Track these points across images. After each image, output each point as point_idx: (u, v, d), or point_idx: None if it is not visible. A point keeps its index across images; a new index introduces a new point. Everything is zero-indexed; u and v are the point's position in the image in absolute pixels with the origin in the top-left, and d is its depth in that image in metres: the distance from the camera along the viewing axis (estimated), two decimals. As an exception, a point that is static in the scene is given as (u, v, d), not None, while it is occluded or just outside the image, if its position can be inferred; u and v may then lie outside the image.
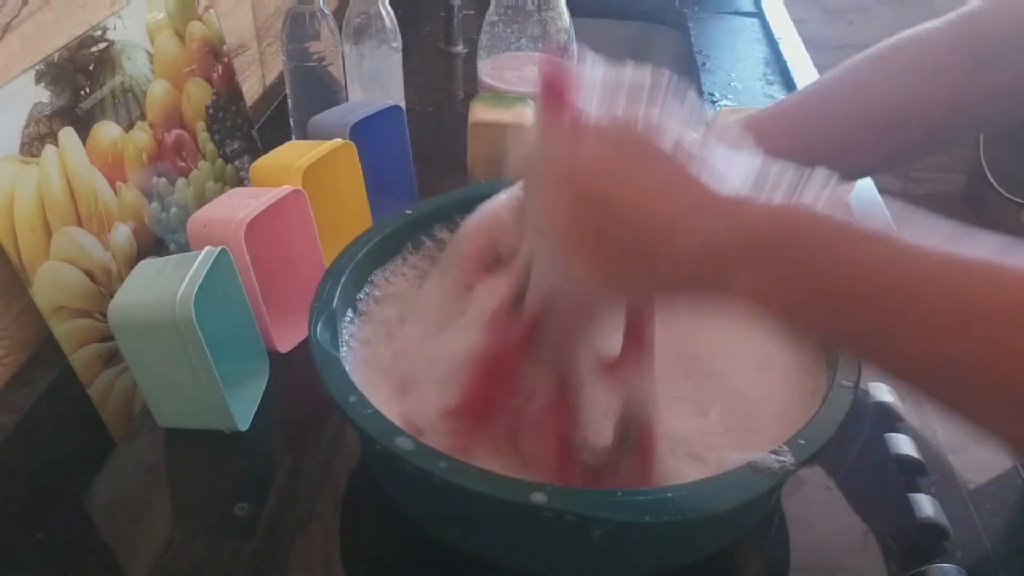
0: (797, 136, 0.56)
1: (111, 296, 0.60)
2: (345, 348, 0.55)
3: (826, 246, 0.37)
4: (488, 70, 0.98)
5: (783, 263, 0.37)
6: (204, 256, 0.59)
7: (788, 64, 1.22)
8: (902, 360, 0.36)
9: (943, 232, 0.37)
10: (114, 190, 0.66)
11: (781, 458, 0.44)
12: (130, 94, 0.69)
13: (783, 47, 1.28)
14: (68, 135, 0.61)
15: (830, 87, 0.57)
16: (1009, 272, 0.34)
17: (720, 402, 0.55)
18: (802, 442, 0.45)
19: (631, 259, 0.41)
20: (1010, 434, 0.35)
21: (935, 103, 0.55)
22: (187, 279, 0.56)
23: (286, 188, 0.67)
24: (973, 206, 2.55)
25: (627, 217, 0.40)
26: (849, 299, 0.37)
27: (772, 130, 0.55)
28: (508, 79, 0.96)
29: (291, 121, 0.93)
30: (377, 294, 0.61)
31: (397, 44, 0.92)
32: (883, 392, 0.64)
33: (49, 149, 0.59)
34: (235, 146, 0.83)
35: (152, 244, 0.70)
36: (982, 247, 0.36)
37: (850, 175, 0.61)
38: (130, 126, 0.68)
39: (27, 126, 0.58)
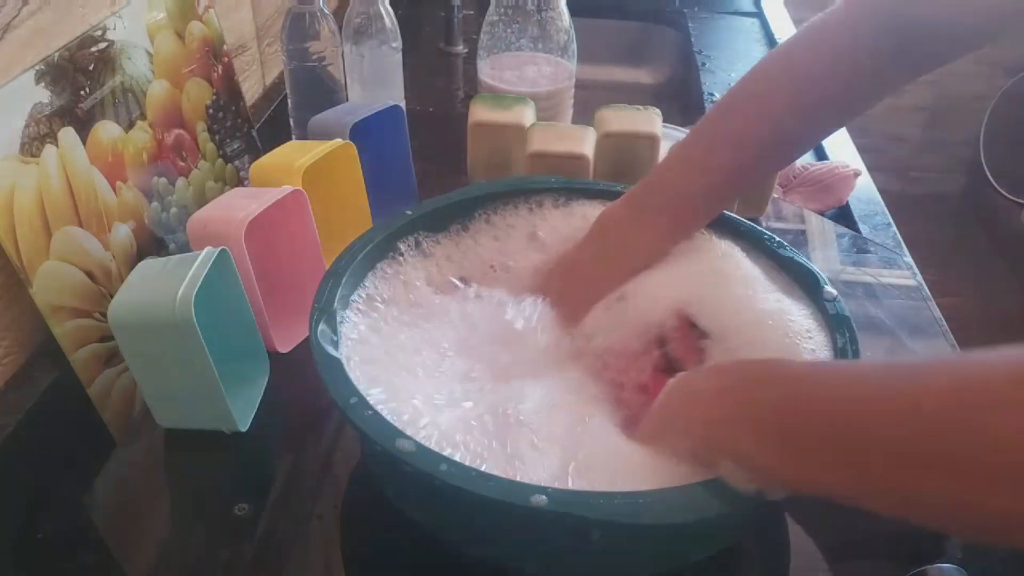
0: (739, 135, 0.60)
1: (111, 296, 0.60)
2: (345, 349, 0.55)
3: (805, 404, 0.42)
4: (488, 70, 0.98)
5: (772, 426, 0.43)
6: (204, 256, 0.59)
7: (788, 64, 1.22)
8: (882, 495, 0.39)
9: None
10: (114, 190, 0.66)
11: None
12: (130, 94, 0.69)
13: (783, 47, 1.28)
14: (68, 135, 0.61)
15: (759, 84, 0.61)
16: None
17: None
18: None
19: None
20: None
21: (844, 83, 0.58)
22: (187, 279, 0.56)
23: (286, 188, 0.67)
24: (973, 206, 2.55)
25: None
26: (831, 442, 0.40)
27: (738, 124, 0.60)
28: (508, 79, 0.96)
29: (291, 121, 0.93)
30: (377, 294, 0.61)
31: (397, 44, 0.92)
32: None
33: (49, 149, 0.59)
34: (235, 146, 0.83)
35: (152, 244, 0.70)
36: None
37: (786, 159, 0.69)
38: (130, 126, 0.68)
39: (27, 126, 0.58)
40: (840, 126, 0.69)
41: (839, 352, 0.52)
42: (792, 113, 0.59)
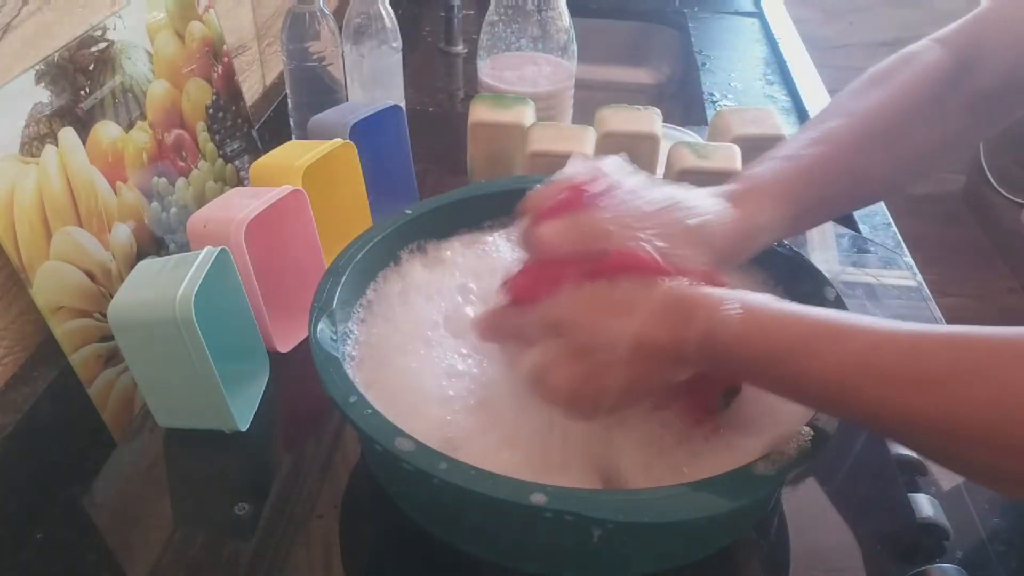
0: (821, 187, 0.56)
1: (111, 296, 0.60)
2: (345, 348, 0.55)
3: (800, 347, 0.42)
4: (488, 70, 0.98)
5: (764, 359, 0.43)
6: (204, 256, 0.59)
7: (788, 64, 1.22)
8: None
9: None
10: (114, 190, 0.66)
11: (781, 459, 0.44)
12: (130, 94, 0.69)
13: (783, 47, 1.28)
14: (68, 135, 0.61)
15: (838, 134, 0.57)
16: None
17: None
18: (804, 439, 0.45)
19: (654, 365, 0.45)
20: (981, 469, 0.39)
21: (934, 137, 0.57)
22: (187, 279, 0.56)
23: (286, 188, 0.67)
24: (973, 206, 2.55)
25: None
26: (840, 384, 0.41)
27: (800, 185, 0.56)
28: (508, 79, 0.96)
29: (291, 121, 0.93)
30: (377, 293, 0.61)
31: (397, 44, 0.92)
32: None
33: (49, 149, 0.59)
34: (235, 146, 0.83)
35: (152, 244, 0.70)
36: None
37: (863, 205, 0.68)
38: (130, 126, 0.68)
39: (27, 126, 0.58)
40: (926, 173, 0.64)
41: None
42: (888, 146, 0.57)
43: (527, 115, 0.84)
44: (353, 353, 0.56)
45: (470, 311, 0.59)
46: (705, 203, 0.51)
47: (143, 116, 0.70)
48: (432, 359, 0.56)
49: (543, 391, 0.47)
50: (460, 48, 1.28)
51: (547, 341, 0.47)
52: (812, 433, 0.46)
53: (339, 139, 0.74)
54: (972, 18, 0.58)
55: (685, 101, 1.28)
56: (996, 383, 0.36)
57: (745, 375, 0.46)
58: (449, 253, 0.64)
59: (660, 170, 0.83)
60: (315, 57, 0.87)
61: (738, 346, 0.43)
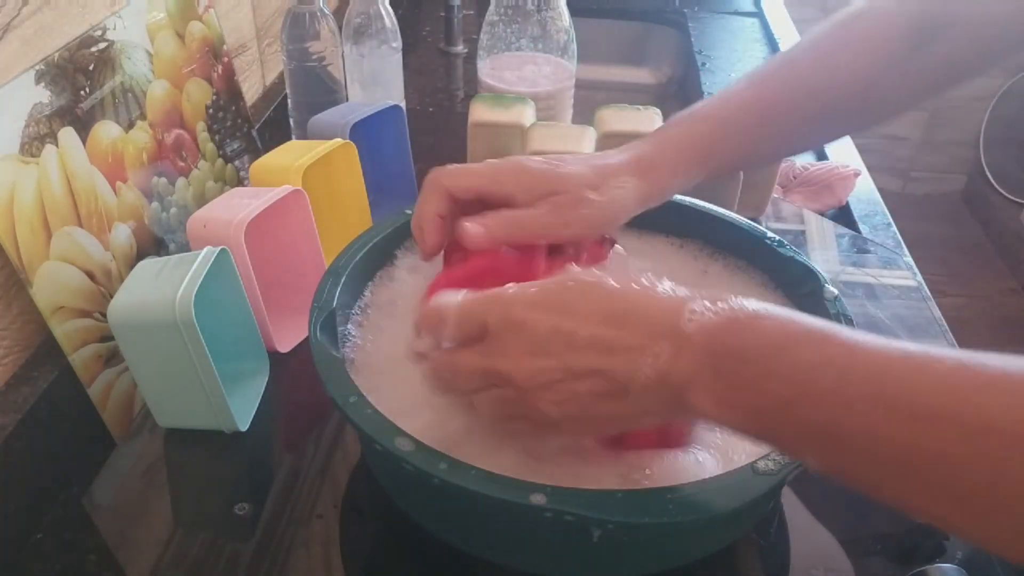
0: (763, 130, 0.57)
1: (111, 296, 0.60)
2: (345, 348, 0.55)
3: (764, 354, 0.37)
4: (488, 70, 0.98)
5: (728, 376, 0.38)
6: (204, 256, 0.59)
7: (788, 64, 1.22)
8: (853, 461, 0.35)
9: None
10: (114, 190, 0.66)
11: (781, 459, 0.44)
12: (130, 94, 0.69)
13: (783, 47, 1.28)
14: (68, 135, 0.61)
15: (784, 75, 0.59)
16: (952, 369, 0.33)
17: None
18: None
19: (600, 397, 0.41)
20: (971, 533, 0.33)
21: (877, 76, 0.57)
22: (187, 279, 0.56)
23: (286, 188, 0.67)
24: (973, 206, 2.55)
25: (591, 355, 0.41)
26: (795, 403, 0.36)
27: (741, 130, 0.57)
28: (508, 79, 0.96)
29: (291, 121, 0.93)
30: (377, 294, 0.61)
31: (397, 44, 0.92)
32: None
33: (49, 149, 0.59)
34: (235, 146, 0.83)
35: (152, 244, 0.70)
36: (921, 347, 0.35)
37: (800, 148, 0.66)
38: (130, 126, 0.68)
39: (27, 126, 0.58)
40: (854, 127, 0.65)
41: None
42: (812, 97, 0.57)
43: (527, 115, 0.84)
44: (353, 353, 0.56)
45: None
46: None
47: (143, 116, 0.70)
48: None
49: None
50: (460, 48, 1.28)
51: (486, 392, 0.44)
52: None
53: (339, 139, 0.75)
54: None
55: (685, 101, 1.28)
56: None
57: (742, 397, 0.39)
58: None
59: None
60: (315, 57, 0.87)
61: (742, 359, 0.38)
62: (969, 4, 0.55)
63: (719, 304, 0.39)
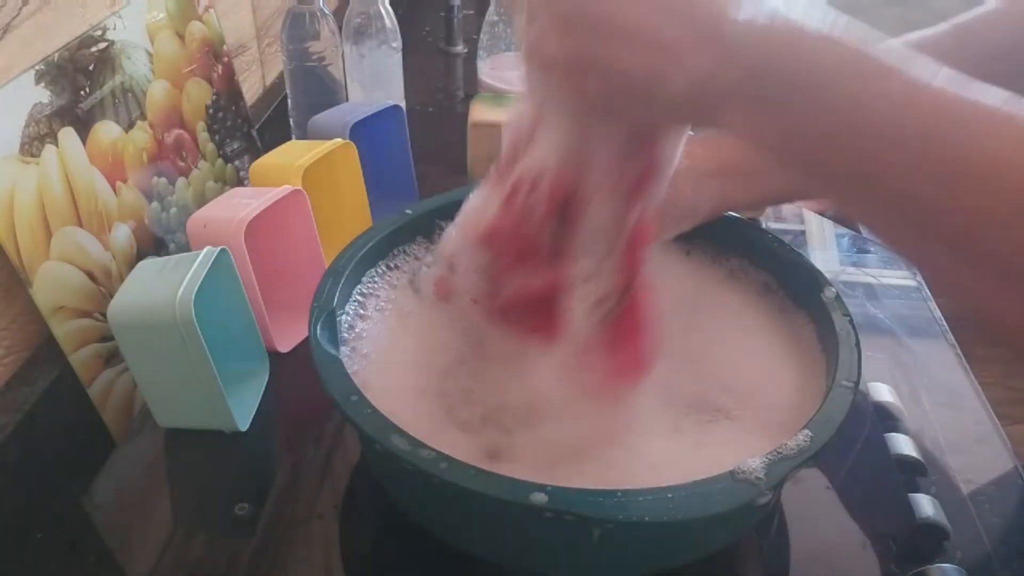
0: None
1: (111, 296, 0.60)
2: (345, 348, 0.55)
3: (817, 80, 0.34)
4: (488, 70, 0.98)
5: (771, 99, 0.35)
6: (204, 256, 0.59)
7: (788, 64, 1.22)
8: (883, 211, 0.34)
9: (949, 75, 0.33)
10: (114, 190, 0.66)
11: (781, 459, 0.44)
12: (130, 94, 0.69)
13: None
14: (68, 135, 0.61)
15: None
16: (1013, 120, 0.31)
17: (720, 403, 0.55)
18: (803, 438, 0.45)
19: (627, 94, 0.39)
20: (1003, 315, 0.31)
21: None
22: (187, 279, 0.56)
23: (286, 188, 0.67)
24: (973, 206, 2.54)
25: (621, 46, 0.37)
26: (842, 135, 0.34)
27: None
28: (508, 79, 0.96)
29: (291, 121, 0.93)
30: (377, 293, 0.61)
31: (397, 44, 0.92)
32: (883, 393, 0.64)
33: (49, 149, 0.59)
34: (235, 146, 0.83)
35: (152, 244, 0.70)
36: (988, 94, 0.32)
37: None
38: (130, 126, 0.68)
39: (27, 126, 0.58)
40: None
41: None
42: None
43: (527, 115, 0.83)
44: (353, 352, 0.56)
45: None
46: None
47: (143, 116, 0.70)
48: (433, 357, 0.56)
49: (537, 58, 0.42)
50: (460, 48, 1.28)
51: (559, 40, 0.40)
52: (811, 434, 0.46)
53: (339, 139, 0.75)
54: None
55: (685, 101, 1.27)
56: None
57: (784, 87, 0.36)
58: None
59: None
60: (315, 57, 0.87)
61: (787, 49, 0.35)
62: None
63: (773, 18, 0.36)
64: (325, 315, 0.54)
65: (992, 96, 0.32)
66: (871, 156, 0.33)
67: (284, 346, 0.68)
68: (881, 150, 0.33)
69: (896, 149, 0.32)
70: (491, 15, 0.98)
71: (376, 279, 0.61)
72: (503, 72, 0.97)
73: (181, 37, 0.76)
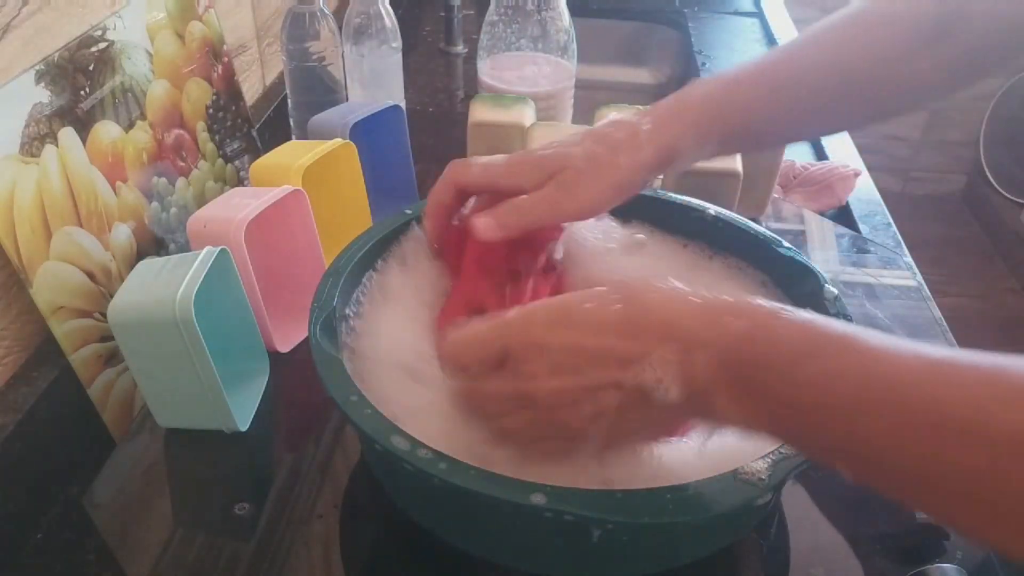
0: (773, 100, 0.56)
1: (111, 296, 0.60)
2: (345, 348, 0.55)
3: (783, 363, 0.37)
4: (488, 70, 0.98)
5: (743, 388, 0.38)
6: (204, 256, 0.59)
7: (788, 64, 1.22)
8: (878, 471, 0.35)
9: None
10: (114, 190, 0.66)
11: (781, 459, 0.44)
12: (130, 94, 0.69)
13: (783, 47, 1.28)
14: (68, 135, 0.61)
15: (796, 54, 0.58)
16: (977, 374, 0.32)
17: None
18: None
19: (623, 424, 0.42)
20: (1005, 545, 0.32)
21: (888, 74, 0.56)
22: (187, 279, 0.56)
23: (286, 188, 0.67)
24: (973, 206, 2.55)
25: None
26: (817, 412, 0.36)
27: (751, 95, 0.56)
28: (508, 79, 0.96)
29: (291, 121, 0.93)
30: (377, 293, 0.61)
31: (397, 44, 0.92)
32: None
33: (49, 149, 0.59)
34: (235, 146, 0.83)
35: (152, 244, 0.70)
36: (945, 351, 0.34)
37: (804, 132, 0.64)
38: (130, 126, 0.68)
39: (27, 126, 0.58)
40: (858, 119, 0.64)
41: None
42: (821, 81, 0.55)
43: (527, 115, 0.84)
44: (353, 352, 0.56)
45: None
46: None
47: (143, 116, 0.70)
48: (432, 357, 0.56)
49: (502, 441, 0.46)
50: (460, 48, 1.28)
51: (515, 415, 0.44)
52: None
53: (339, 139, 0.75)
54: None
55: (685, 101, 1.28)
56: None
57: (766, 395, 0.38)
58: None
59: (660, 170, 0.83)
60: (315, 57, 0.87)
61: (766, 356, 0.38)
62: (983, 2, 0.54)
63: (735, 307, 0.39)
64: (325, 315, 0.54)
65: (961, 355, 0.33)
66: (850, 427, 0.34)
67: (284, 346, 0.68)
68: (857, 417, 0.34)
69: (869, 419, 0.33)
70: (491, 15, 0.98)
71: (376, 279, 0.61)
72: (503, 72, 0.97)
73: (181, 37, 0.76)
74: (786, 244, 0.61)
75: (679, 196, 0.66)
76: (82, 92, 0.63)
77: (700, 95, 0.55)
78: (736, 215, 0.65)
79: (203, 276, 0.57)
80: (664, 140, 0.53)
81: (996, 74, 0.58)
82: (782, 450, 0.45)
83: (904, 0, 0.56)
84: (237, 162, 0.84)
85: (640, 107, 0.84)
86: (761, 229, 0.64)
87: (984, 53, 0.56)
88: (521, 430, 0.45)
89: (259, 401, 0.64)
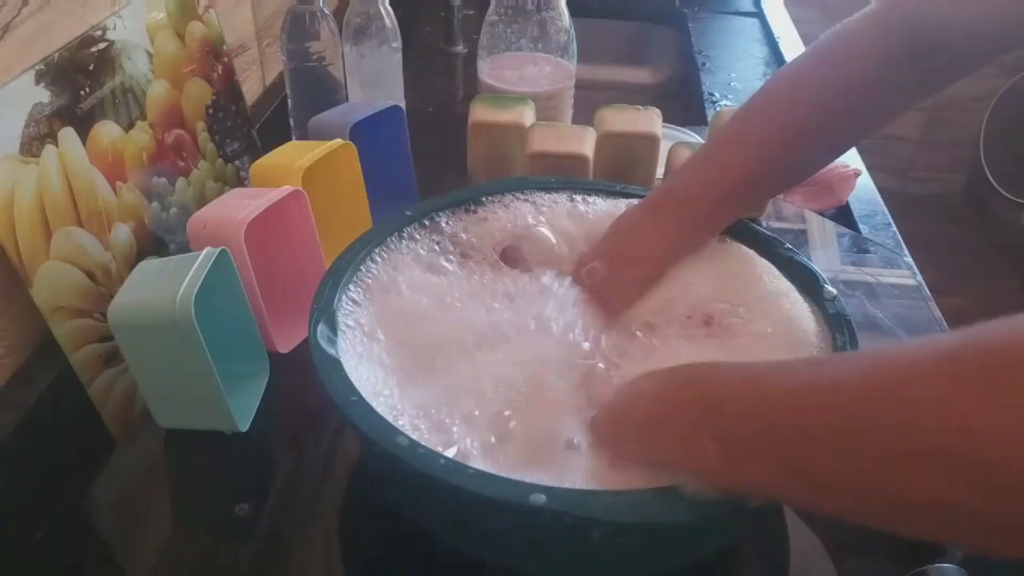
0: (779, 129, 0.60)
1: (111, 296, 0.60)
2: (345, 348, 0.55)
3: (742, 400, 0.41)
4: (488, 70, 0.98)
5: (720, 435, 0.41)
6: (204, 256, 0.59)
7: (788, 64, 1.22)
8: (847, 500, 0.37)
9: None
10: (114, 190, 0.66)
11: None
12: (130, 94, 0.69)
13: (783, 47, 1.28)
14: (68, 135, 0.61)
15: (793, 82, 0.61)
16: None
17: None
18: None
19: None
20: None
21: (867, 94, 0.59)
22: (187, 279, 0.56)
23: (286, 188, 0.67)
24: (973, 206, 2.55)
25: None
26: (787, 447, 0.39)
27: (760, 127, 0.61)
28: (508, 79, 0.96)
29: (291, 121, 0.93)
30: (377, 293, 0.61)
31: (397, 44, 0.92)
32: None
33: (49, 149, 0.59)
34: (235, 146, 0.83)
35: (152, 244, 0.70)
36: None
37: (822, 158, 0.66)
38: (130, 126, 0.68)
39: (27, 126, 0.58)
40: (855, 140, 0.69)
41: (838, 352, 0.52)
42: (813, 117, 0.59)
43: (527, 115, 0.84)
44: (353, 353, 0.56)
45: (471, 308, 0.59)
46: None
47: (143, 116, 0.70)
48: (433, 357, 0.56)
49: None
50: (460, 48, 1.28)
51: None
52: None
53: (339, 139, 0.74)
54: None
55: (685, 101, 1.28)
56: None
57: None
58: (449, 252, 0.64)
59: (660, 170, 0.83)
60: (315, 57, 0.87)
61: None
62: (958, 8, 0.55)
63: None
64: (325, 315, 0.54)
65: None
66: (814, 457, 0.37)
67: (284, 346, 0.68)
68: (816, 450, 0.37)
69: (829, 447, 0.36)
70: (491, 15, 0.98)
71: (377, 279, 0.61)
72: (503, 72, 0.97)
73: (181, 37, 0.76)
74: (786, 244, 0.61)
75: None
76: (82, 92, 0.63)
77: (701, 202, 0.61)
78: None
79: (203, 276, 0.57)
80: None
81: (977, 72, 0.60)
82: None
83: (874, 19, 0.58)
84: (237, 162, 0.84)
85: (640, 107, 0.84)
86: (761, 229, 0.64)
87: (963, 56, 0.57)
88: None
89: (259, 401, 0.64)
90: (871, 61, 0.57)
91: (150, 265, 0.61)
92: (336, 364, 0.50)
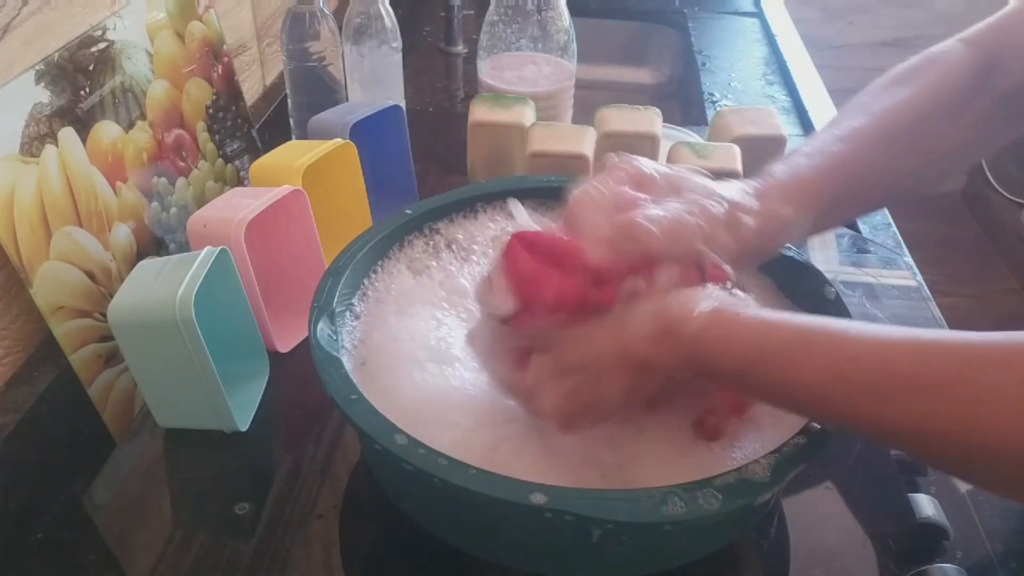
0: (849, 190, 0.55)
1: (111, 296, 0.60)
2: (345, 347, 0.55)
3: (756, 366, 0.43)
4: (488, 70, 0.98)
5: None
6: (204, 256, 0.59)
7: (788, 64, 1.22)
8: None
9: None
10: (114, 190, 0.66)
11: (781, 460, 0.44)
12: (130, 94, 0.69)
13: (783, 47, 1.28)
14: (68, 135, 0.61)
15: (863, 138, 0.56)
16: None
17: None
18: (803, 440, 0.45)
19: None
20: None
21: (959, 138, 0.56)
22: (187, 279, 0.56)
23: (286, 188, 0.67)
24: (973, 206, 2.55)
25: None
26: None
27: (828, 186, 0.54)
28: (508, 79, 0.96)
29: (291, 121, 0.93)
30: (377, 293, 0.61)
31: (397, 44, 0.92)
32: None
33: (49, 149, 0.59)
34: (235, 146, 0.83)
35: (152, 244, 0.70)
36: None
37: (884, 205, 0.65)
38: (130, 126, 0.68)
39: (27, 126, 0.58)
40: (921, 179, 0.61)
41: None
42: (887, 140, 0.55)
43: (527, 115, 0.84)
44: (353, 352, 0.56)
45: (471, 308, 0.59)
46: (733, 191, 0.52)
47: (143, 116, 0.70)
48: (433, 357, 0.56)
49: (534, 410, 0.49)
50: (460, 48, 1.28)
51: (534, 357, 0.48)
52: (813, 434, 0.46)
53: (339, 139, 0.75)
54: (999, 17, 0.56)
55: (685, 101, 1.28)
56: (965, 394, 0.36)
57: (730, 383, 0.47)
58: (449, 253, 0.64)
59: (660, 170, 0.83)
60: (315, 57, 0.87)
61: (720, 356, 0.43)
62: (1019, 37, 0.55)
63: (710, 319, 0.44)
64: (325, 315, 0.54)
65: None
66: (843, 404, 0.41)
67: (284, 346, 0.68)
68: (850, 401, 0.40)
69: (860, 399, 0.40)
70: (491, 15, 0.98)
71: (377, 279, 0.61)
72: (503, 72, 0.97)
73: (181, 37, 0.76)
74: (786, 244, 0.61)
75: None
76: (82, 92, 0.63)
77: (800, 181, 0.54)
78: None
79: (203, 276, 0.57)
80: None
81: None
82: (783, 450, 0.45)
83: (943, 52, 0.57)
84: (237, 162, 0.84)
85: (640, 107, 0.84)
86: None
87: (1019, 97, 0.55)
88: (563, 402, 0.47)
89: (259, 401, 0.64)
90: (958, 88, 0.55)
91: (150, 265, 0.61)
92: (336, 363, 0.50)
